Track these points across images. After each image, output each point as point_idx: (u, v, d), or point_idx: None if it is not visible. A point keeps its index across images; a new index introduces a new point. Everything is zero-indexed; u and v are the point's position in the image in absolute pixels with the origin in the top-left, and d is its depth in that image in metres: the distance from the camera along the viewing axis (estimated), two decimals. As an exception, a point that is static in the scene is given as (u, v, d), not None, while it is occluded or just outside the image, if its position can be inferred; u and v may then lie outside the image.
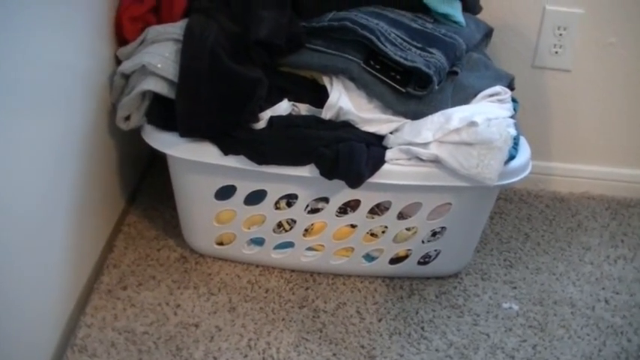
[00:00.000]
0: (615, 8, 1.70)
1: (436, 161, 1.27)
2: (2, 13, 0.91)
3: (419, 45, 1.32)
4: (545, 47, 1.74)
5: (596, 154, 1.90)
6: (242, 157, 1.27)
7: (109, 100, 1.36)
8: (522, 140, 1.38)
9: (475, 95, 1.36)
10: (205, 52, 1.25)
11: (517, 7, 1.71)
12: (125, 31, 1.36)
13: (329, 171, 1.26)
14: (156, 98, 1.30)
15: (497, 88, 1.37)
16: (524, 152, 1.35)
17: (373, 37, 1.28)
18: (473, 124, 1.25)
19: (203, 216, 1.40)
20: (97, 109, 1.32)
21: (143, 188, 1.67)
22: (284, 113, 1.29)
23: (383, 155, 1.28)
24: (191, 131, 1.27)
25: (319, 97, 1.32)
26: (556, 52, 1.74)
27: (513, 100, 1.43)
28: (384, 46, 1.28)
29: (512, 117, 1.35)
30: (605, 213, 1.81)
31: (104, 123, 1.36)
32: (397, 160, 1.28)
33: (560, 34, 1.72)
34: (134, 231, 1.53)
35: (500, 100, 1.36)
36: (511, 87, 1.46)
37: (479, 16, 1.55)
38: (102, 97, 1.33)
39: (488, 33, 1.54)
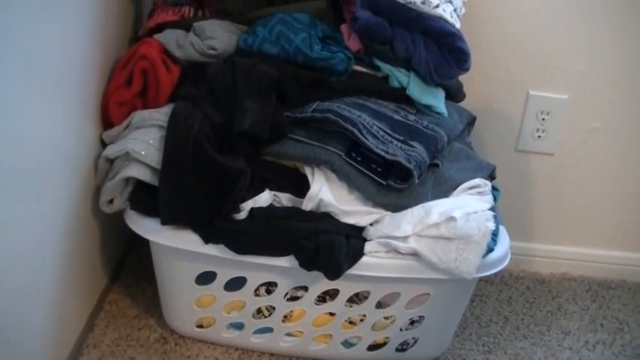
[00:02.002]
0: (598, 94, 1.74)
1: (415, 254, 1.28)
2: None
3: (401, 138, 1.34)
4: (529, 131, 1.77)
5: (577, 235, 1.92)
6: (223, 246, 1.28)
7: (93, 180, 1.37)
8: (502, 230, 1.39)
9: (455, 187, 1.38)
10: (189, 142, 1.26)
11: (501, 91, 1.74)
12: (111, 115, 1.38)
13: (308, 263, 1.27)
14: (139, 184, 1.32)
15: (477, 181, 1.39)
16: (503, 243, 1.37)
17: (355, 130, 1.30)
18: (452, 219, 1.27)
19: (184, 299, 1.41)
20: (81, 189, 1.33)
21: (127, 263, 1.68)
22: (265, 204, 1.30)
23: (362, 248, 1.29)
24: (172, 220, 1.28)
25: (301, 186, 1.34)
26: (539, 137, 1.77)
27: (494, 189, 1.45)
28: (366, 138, 1.30)
29: (492, 208, 1.36)
30: (585, 295, 1.82)
31: (88, 202, 1.38)
32: (376, 252, 1.29)
33: (544, 119, 1.75)
34: (115, 309, 1.54)
35: (480, 193, 1.38)
36: (492, 177, 1.48)
37: (464, 102, 1.57)
38: (87, 177, 1.35)
39: (471, 122, 1.57)
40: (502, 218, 1.43)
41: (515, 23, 1.70)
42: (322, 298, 1.38)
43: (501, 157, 1.77)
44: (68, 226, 1.30)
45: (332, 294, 1.37)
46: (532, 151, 1.80)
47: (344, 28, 1.43)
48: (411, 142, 1.34)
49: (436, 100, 1.43)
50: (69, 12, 1.20)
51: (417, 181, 1.31)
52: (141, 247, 1.66)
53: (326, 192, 1.31)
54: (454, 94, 1.53)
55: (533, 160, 1.82)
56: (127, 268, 1.67)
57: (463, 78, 1.54)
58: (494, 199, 1.43)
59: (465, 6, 1.52)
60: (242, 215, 1.29)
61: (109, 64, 1.44)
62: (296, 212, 1.31)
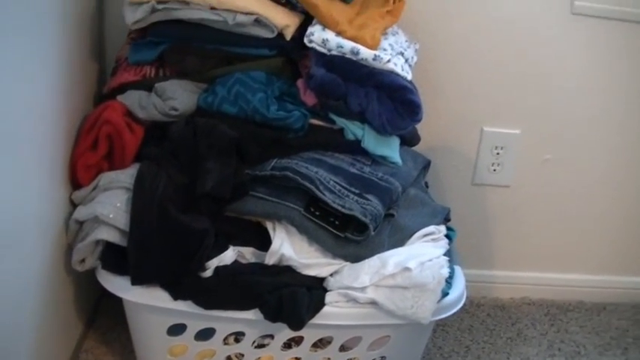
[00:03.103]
0: (549, 128, 1.82)
1: (374, 303, 1.35)
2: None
3: (356, 191, 1.40)
4: (485, 166, 1.84)
5: (535, 260, 2.00)
6: (191, 302, 1.34)
7: (65, 238, 1.42)
8: (457, 272, 1.46)
9: (411, 236, 1.45)
10: (154, 204, 1.32)
11: (456, 129, 1.81)
12: (79, 178, 1.43)
13: (273, 316, 1.34)
14: (109, 244, 1.37)
15: (432, 228, 1.46)
16: (458, 285, 1.43)
17: (313, 187, 1.37)
18: (407, 269, 1.34)
19: (156, 349, 1.47)
20: (54, 245, 1.38)
21: (102, 308, 1.73)
22: (229, 262, 1.36)
23: (323, 299, 1.36)
24: (142, 280, 1.34)
25: (263, 240, 1.40)
26: (495, 170, 1.85)
27: (450, 229, 1.52)
28: (323, 194, 1.37)
29: (447, 252, 1.43)
30: (544, 319, 1.90)
31: (61, 258, 1.43)
32: (337, 302, 1.36)
33: (498, 153, 1.82)
34: (92, 357, 1.60)
35: (434, 240, 1.45)
36: (447, 219, 1.55)
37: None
38: (59, 234, 1.40)
39: (426, 166, 1.63)
40: (458, 258, 1.50)
41: (467, 63, 1.77)
42: (288, 345, 1.45)
43: (459, 192, 1.85)
44: (42, 281, 1.34)
45: (297, 340, 1.44)
46: (489, 184, 1.88)
47: (300, 83, 1.49)
48: (367, 196, 1.40)
49: (391, 150, 1.50)
50: (34, 71, 1.24)
51: (373, 233, 1.37)
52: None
53: (287, 247, 1.38)
54: (409, 140, 1.60)
55: (490, 193, 1.90)
56: (102, 312, 1.72)
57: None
58: (450, 240, 1.50)
59: (417, 53, 1.58)
60: (208, 273, 1.35)
61: (76, 121, 1.49)
62: (259, 267, 1.38)
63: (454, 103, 1.80)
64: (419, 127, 1.62)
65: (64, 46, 1.39)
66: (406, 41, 1.59)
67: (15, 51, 1.13)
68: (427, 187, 1.66)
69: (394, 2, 1.59)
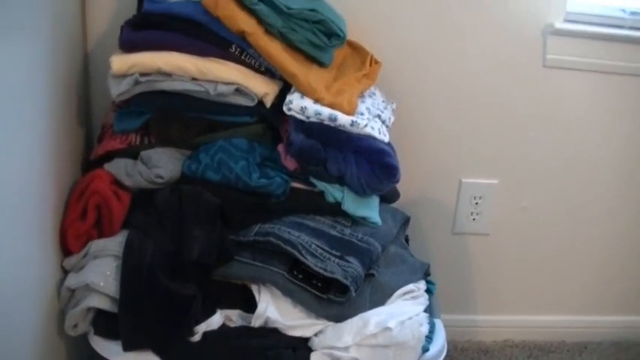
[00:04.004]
0: (525, 177, 1.88)
1: (356, 362, 1.40)
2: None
3: (337, 254, 1.45)
4: (464, 215, 1.90)
5: (517, 304, 2.06)
6: (181, 365, 1.39)
7: (57, 303, 1.46)
8: (438, 325, 1.51)
9: (391, 294, 1.49)
10: (143, 272, 1.37)
11: (435, 181, 1.87)
12: (70, 246, 1.47)
13: (260, 378, 1.38)
14: (101, 310, 1.42)
15: (411, 286, 1.51)
16: (439, 340, 1.47)
17: (295, 252, 1.42)
18: (387, 329, 1.39)
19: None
20: (47, 310, 1.42)
21: None
22: (217, 326, 1.41)
23: (308, 359, 1.40)
24: (133, 345, 1.39)
25: (249, 301, 1.44)
26: (474, 219, 1.90)
27: (430, 283, 1.57)
28: (306, 258, 1.42)
29: (427, 307, 1.48)
30: (526, 362, 1.95)
31: (54, 321, 1.46)
32: (321, 362, 1.41)
33: (477, 203, 1.88)
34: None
35: (414, 297, 1.50)
36: (427, 274, 1.60)
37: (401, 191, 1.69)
38: (51, 299, 1.43)
39: (406, 222, 1.69)
40: (438, 311, 1.55)
41: (444, 116, 1.85)
42: (275, 404, 1.49)
43: (440, 240, 1.90)
44: (36, 345, 1.37)
45: (284, 399, 1.48)
46: (468, 232, 1.94)
47: (280, 147, 1.55)
48: (348, 258, 1.45)
49: (370, 210, 1.55)
50: (22, 139, 1.27)
51: (354, 294, 1.42)
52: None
53: (272, 310, 1.42)
54: (389, 197, 1.66)
55: (471, 241, 1.95)
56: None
57: (402, 168, 1.61)
58: (431, 293, 1.55)
59: (394, 112, 1.64)
60: (197, 338, 1.39)
61: (65, 188, 1.53)
62: (246, 330, 1.42)
63: (433, 156, 1.86)
64: (403, 178, 1.65)
65: (52, 113, 1.43)
66: (383, 102, 1.65)
67: (3, 120, 1.18)
68: (408, 241, 1.71)
69: (370, 65, 1.64)
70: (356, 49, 1.71)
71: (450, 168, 1.89)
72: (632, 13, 1.89)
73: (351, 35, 1.64)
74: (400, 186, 1.69)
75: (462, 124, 1.84)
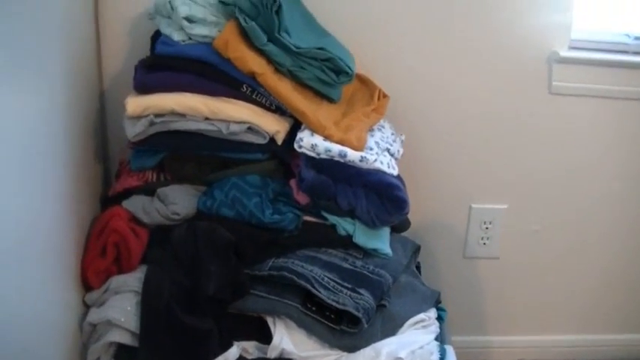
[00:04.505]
0: (535, 201, 1.91)
1: (371, 392, 1.44)
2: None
3: (349, 286, 1.49)
4: (474, 239, 1.93)
5: (528, 324, 2.10)
6: (200, 398, 1.44)
7: (80, 337, 1.51)
8: (449, 351, 1.54)
9: (402, 324, 1.53)
10: (161, 308, 1.42)
11: (446, 207, 1.91)
12: (91, 282, 1.52)
13: (276, 410, 1.43)
14: (122, 345, 1.47)
15: (422, 316, 1.55)
16: (450, 362, 1.52)
17: (308, 285, 1.46)
18: (399, 359, 1.43)
19: None
20: (70, 345, 1.45)
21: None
22: (234, 359, 1.45)
23: (323, 391, 1.45)
24: (153, 379, 1.44)
25: (265, 333, 1.49)
26: (484, 244, 1.94)
27: (441, 309, 1.61)
28: (318, 291, 1.46)
29: (437, 335, 1.52)
30: (539, 382, 1.98)
31: (77, 356, 1.50)
32: (336, 393, 1.45)
33: (487, 228, 1.92)
34: None
35: (424, 327, 1.54)
36: (438, 301, 1.63)
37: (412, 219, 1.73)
38: (74, 334, 1.48)
39: (416, 250, 1.73)
40: (449, 337, 1.59)
41: (453, 145, 1.90)
42: None
43: (451, 264, 1.94)
44: None
45: None
46: (479, 256, 1.98)
47: (292, 183, 1.59)
48: (359, 290, 1.49)
49: (381, 242, 1.59)
50: (45, 180, 1.32)
51: (366, 325, 1.46)
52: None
53: (287, 342, 1.47)
54: (400, 227, 1.69)
55: (481, 264, 1.99)
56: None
57: (413, 196, 1.65)
58: (442, 320, 1.59)
59: (403, 144, 1.68)
60: (214, 372, 1.44)
61: (85, 224, 1.58)
62: (262, 362, 1.47)
63: (443, 183, 1.90)
64: (413, 205, 1.69)
65: (70, 153, 1.48)
66: (392, 134, 1.69)
67: (26, 162, 1.23)
68: (419, 268, 1.75)
69: (378, 99, 1.69)
70: (364, 82, 1.75)
71: (460, 194, 1.92)
72: (637, 38, 1.92)
73: (359, 67, 1.67)
74: (412, 213, 1.71)
75: (471, 151, 1.88)
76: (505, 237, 1.98)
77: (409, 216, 1.68)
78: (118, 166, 1.73)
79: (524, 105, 1.85)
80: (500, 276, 2.03)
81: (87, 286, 1.54)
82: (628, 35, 1.93)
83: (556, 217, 1.97)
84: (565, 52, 1.81)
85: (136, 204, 1.58)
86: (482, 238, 1.96)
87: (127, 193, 1.61)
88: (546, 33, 1.80)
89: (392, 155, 1.61)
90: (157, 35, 1.61)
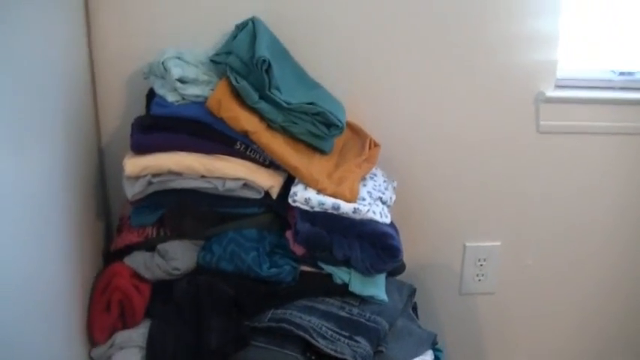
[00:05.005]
0: (527, 237, 1.96)
1: None
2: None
3: (347, 334, 1.54)
4: (470, 276, 1.98)
5: (525, 356, 2.13)
6: None
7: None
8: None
9: (400, 369, 1.58)
10: (166, 366, 1.47)
11: (440, 246, 1.96)
12: (96, 337, 1.57)
13: None
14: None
15: (418, 360, 1.59)
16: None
17: (307, 335, 1.51)
18: (397, 404, 1.47)
19: None
20: None
21: None
22: (238, 411, 1.50)
23: None
24: None
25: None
26: (479, 280, 1.98)
27: (437, 350, 1.65)
28: (317, 341, 1.51)
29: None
30: (540, 414, 2.02)
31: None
32: None
33: (481, 265, 1.96)
34: None
35: (421, 371, 1.58)
36: (434, 343, 1.68)
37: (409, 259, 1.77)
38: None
39: (412, 293, 1.77)
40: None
41: (445, 186, 1.95)
42: None
43: (448, 301, 1.99)
44: None
45: None
46: (475, 292, 2.02)
47: (288, 234, 1.63)
48: (356, 338, 1.54)
49: (377, 288, 1.64)
50: (43, 237, 1.36)
51: (363, 375, 1.50)
52: None
53: (288, 392, 1.51)
54: (395, 271, 1.74)
55: (477, 300, 2.04)
56: None
57: (408, 238, 1.73)
58: (438, 359, 1.63)
59: (395, 190, 1.73)
60: None
61: (89, 277, 1.63)
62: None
63: (436, 224, 1.95)
64: (408, 246, 1.74)
65: (71, 211, 1.53)
66: (384, 181, 1.73)
67: (29, 222, 1.28)
68: (416, 309, 1.79)
69: (370, 148, 1.73)
70: (356, 132, 1.80)
71: (454, 234, 1.97)
72: (622, 74, 1.96)
73: (350, 115, 1.73)
74: (408, 253, 1.75)
75: (463, 192, 1.92)
76: (500, 272, 2.02)
77: (405, 257, 1.71)
78: (119, 221, 1.78)
79: (513, 145, 1.90)
80: (497, 310, 2.07)
81: (92, 340, 1.58)
82: (613, 71, 1.98)
83: (548, 250, 2.02)
84: (551, 92, 1.85)
85: (137, 260, 1.62)
86: (477, 275, 2.01)
87: (129, 249, 1.65)
88: (532, 74, 1.85)
89: (384, 203, 1.65)
90: (151, 93, 1.66)
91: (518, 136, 1.90)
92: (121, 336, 1.57)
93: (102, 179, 1.82)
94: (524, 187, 1.95)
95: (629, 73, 1.98)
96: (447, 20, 1.77)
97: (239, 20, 1.66)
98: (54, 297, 1.41)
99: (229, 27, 1.66)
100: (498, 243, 1.99)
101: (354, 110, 1.77)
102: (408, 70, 1.82)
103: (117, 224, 1.80)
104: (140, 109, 1.70)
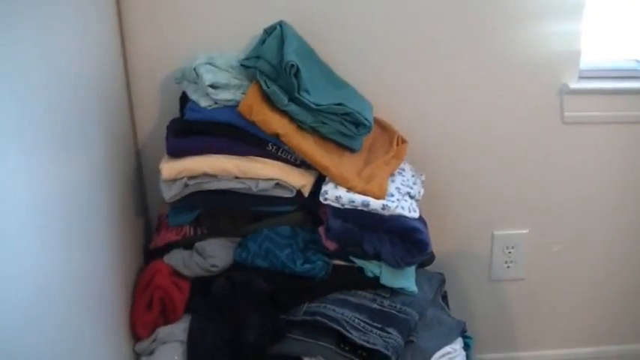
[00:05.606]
0: (554, 224, 2.01)
1: None
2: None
3: (378, 325, 1.60)
4: (498, 264, 2.03)
5: (555, 338, 2.19)
6: None
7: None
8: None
9: (430, 357, 1.63)
10: (206, 359, 1.55)
11: (469, 236, 2.01)
12: (139, 333, 1.65)
13: None
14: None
15: (448, 349, 1.65)
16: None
17: (340, 328, 1.57)
18: (428, 392, 1.53)
19: None
20: None
21: None
22: (276, 401, 1.57)
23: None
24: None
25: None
26: (508, 267, 2.04)
27: (467, 337, 1.71)
28: (350, 333, 1.57)
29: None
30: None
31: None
32: None
33: (510, 252, 2.01)
34: None
35: (451, 359, 1.64)
36: (464, 330, 1.73)
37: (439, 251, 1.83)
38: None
39: (442, 283, 1.83)
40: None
41: (472, 178, 2.00)
42: None
43: (478, 288, 2.04)
44: None
45: None
46: (504, 279, 2.07)
47: (321, 230, 1.69)
48: (388, 329, 1.60)
49: (407, 280, 1.69)
50: (86, 237, 1.40)
51: (395, 362, 1.57)
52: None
53: (324, 382, 1.58)
54: (424, 262, 1.79)
55: (507, 286, 2.09)
56: None
57: (437, 228, 1.80)
58: (468, 346, 1.70)
59: (424, 184, 1.78)
60: (255, 417, 1.56)
61: (131, 275, 1.72)
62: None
63: (465, 215, 2.00)
64: (438, 236, 1.82)
65: (112, 211, 1.61)
66: (413, 176, 1.79)
67: (76, 224, 1.35)
68: (446, 297, 1.85)
69: (397, 144, 1.78)
70: (384, 128, 1.85)
71: (482, 223, 2.02)
72: (646, 63, 1.99)
73: (378, 111, 1.79)
74: (438, 243, 1.82)
75: (490, 182, 1.97)
76: (528, 259, 2.07)
77: (435, 247, 1.77)
78: (158, 219, 1.85)
79: (539, 135, 1.93)
80: (526, 295, 2.12)
81: (136, 336, 1.66)
82: (637, 61, 2.00)
83: (575, 237, 2.06)
84: (575, 84, 1.88)
85: (176, 258, 1.70)
86: (505, 262, 2.05)
87: (168, 247, 1.72)
88: (556, 66, 1.88)
89: (412, 197, 1.70)
90: (184, 96, 1.72)
91: (544, 128, 1.93)
92: (163, 331, 1.64)
93: (140, 179, 1.89)
94: (550, 177, 1.99)
95: (653, 62, 2.00)
96: (470, 16, 1.81)
97: (268, 23, 1.71)
98: (99, 294, 1.49)
99: (258, 30, 1.71)
100: (526, 231, 2.04)
101: (382, 106, 1.82)
102: (433, 66, 1.86)
103: (156, 223, 1.87)
104: (174, 111, 1.76)
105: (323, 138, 1.67)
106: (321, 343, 1.59)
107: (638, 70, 1.99)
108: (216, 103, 1.64)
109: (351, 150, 1.71)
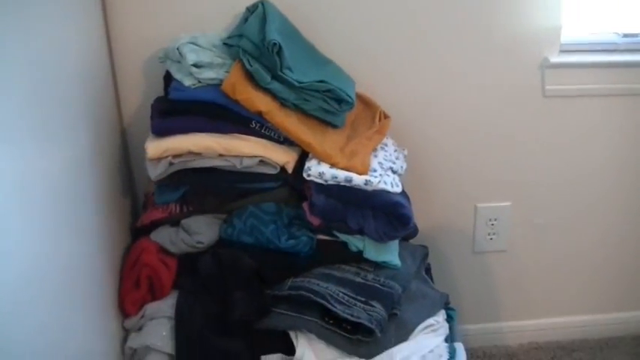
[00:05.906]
0: (536, 197, 2.04)
1: (385, 396, 1.59)
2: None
3: (362, 299, 1.63)
4: (482, 236, 2.06)
5: (538, 308, 2.24)
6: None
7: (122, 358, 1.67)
8: (458, 348, 1.68)
9: (413, 329, 1.67)
10: (194, 333, 1.58)
11: (453, 208, 2.05)
12: (127, 310, 1.68)
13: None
14: (161, 368, 1.62)
15: (431, 321, 1.68)
16: (460, 360, 1.65)
17: (324, 302, 1.60)
18: (411, 364, 1.57)
19: None
20: None
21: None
22: (261, 376, 1.61)
23: (343, 399, 1.59)
24: (190, 398, 1.59)
25: (289, 346, 1.63)
26: (491, 239, 2.07)
27: (450, 309, 1.74)
28: (334, 307, 1.60)
29: (447, 337, 1.66)
30: (551, 362, 2.12)
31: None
32: (354, 399, 1.59)
33: (492, 224, 2.05)
34: None
35: (434, 330, 1.67)
36: (447, 302, 1.77)
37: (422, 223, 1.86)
38: (117, 357, 1.64)
39: (425, 256, 1.86)
40: (459, 334, 1.73)
41: (455, 151, 2.03)
42: None
43: (461, 259, 2.07)
44: None
45: None
46: (487, 251, 2.10)
47: (305, 205, 1.72)
48: (372, 302, 1.63)
49: (390, 254, 1.72)
50: (74, 218, 1.41)
51: (379, 335, 1.60)
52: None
53: (309, 355, 1.61)
54: (408, 235, 1.82)
55: (490, 257, 2.12)
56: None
57: (420, 201, 1.83)
58: (451, 318, 1.73)
59: (406, 158, 1.80)
60: (244, 388, 1.59)
61: (118, 254, 1.74)
62: (287, 378, 1.62)
63: (448, 187, 2.03)
64: (422, 210, 1.85)
65: (98, 191, 1.63)
66: (395, 151, 1.81)
67: (56, 204, 1.34)
68: (429, 270, 1.88)
69: (380, 120, 1.80)
70: (366, 104, 1.87)
71: (465, 196, 2.05)
72: (626, 36, 2.00)
73: (360, 87, 1.80)
74: (422, 217, 1.85)
75: (473, 155, 1.99)
76: (511, 231, 2.10)
77: (418, 220, 1.80)
78: (144, 197, 1.87)
79: (520, 109, 1.96)
80: (509, 266, 2.16)
81: (124, 313, 1.69)
82: (617, 34, 2.02)
83: (557, 210, 2.09)
84: (555, 58, 1.91)
85: (163, 235, 1.72)
86: (488, 234, 2.09)
87: (154, 225, 1.74)
88: (536, 40, 1.89)
89: (395, 172, 1.73)
90: (169, 75, 1.73)
91: (525, 101, 1.96)
92: (151, 307, 1.67)
93: (126, 158, 1.91)
94: (532, 150, 2.02)
95: (633, 35, 2.02)
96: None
97: (250, 2, 1.71)
98: (87, 272, 1.51)
99: (241, 9, 1.73)
100: (508, 203, 2.07)
101: (364, 83, 1.83)
102: (414, 42, 1.88)
103: (142, 201, 1.89)
104: (159, 90, 1.78)
105: (306, 115, 1.69)
106: (306, 317, 1.62)
107: (618, 44, 2.00)
108: (199, 82, 1.65)
109: (334, 126, 1.73)
